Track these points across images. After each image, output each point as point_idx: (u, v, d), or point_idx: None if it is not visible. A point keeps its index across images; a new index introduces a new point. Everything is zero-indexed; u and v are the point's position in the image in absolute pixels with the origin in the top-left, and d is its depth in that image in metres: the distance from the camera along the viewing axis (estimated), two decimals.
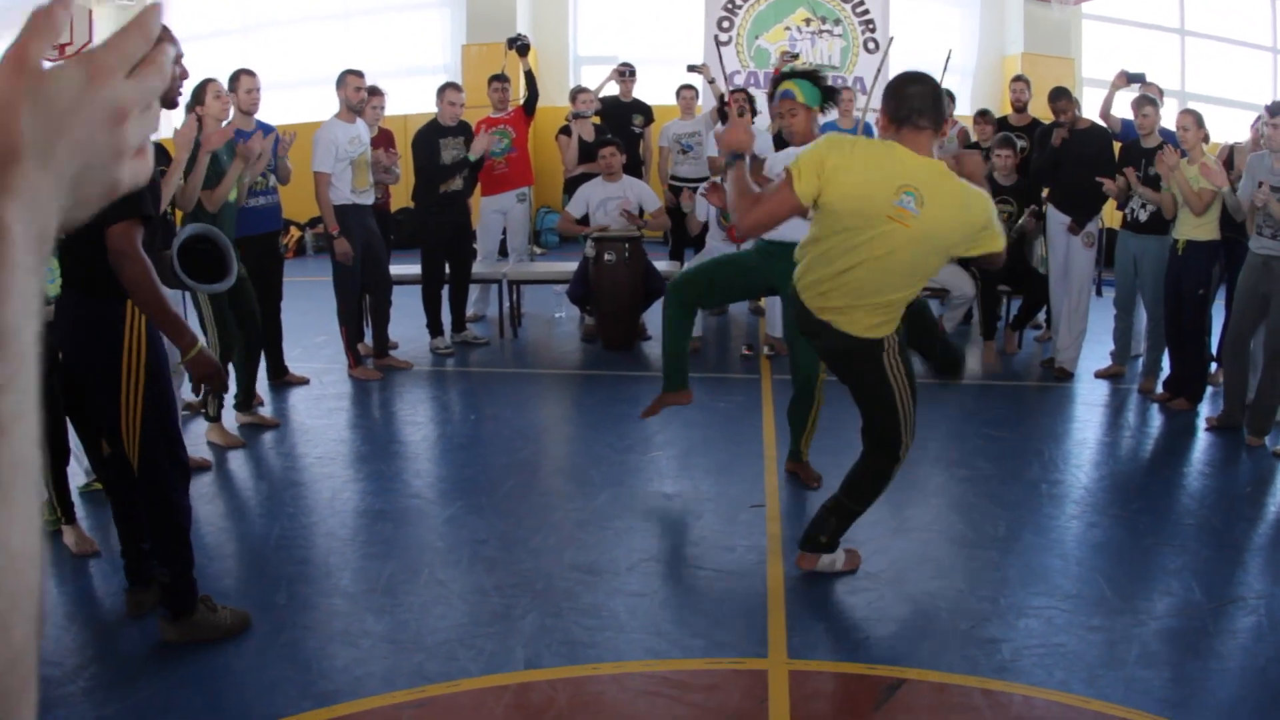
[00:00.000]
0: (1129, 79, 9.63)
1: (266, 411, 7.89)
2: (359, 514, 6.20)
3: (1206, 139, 8.23)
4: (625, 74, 11.77)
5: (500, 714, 4.11)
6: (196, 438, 7.24)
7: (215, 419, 7.41)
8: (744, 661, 4.51)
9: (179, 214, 6.96)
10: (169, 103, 4.51)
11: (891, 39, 12.91)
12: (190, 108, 7.16)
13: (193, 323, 7.09)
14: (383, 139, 9.63)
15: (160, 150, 6.42)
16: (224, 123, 7.17)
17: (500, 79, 10.67)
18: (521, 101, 10.79)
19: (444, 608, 4.96)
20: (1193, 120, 7.95)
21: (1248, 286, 7.57)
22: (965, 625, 4.80)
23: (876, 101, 11.92)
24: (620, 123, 11.40)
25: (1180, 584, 5.32)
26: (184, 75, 4.57)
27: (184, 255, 5.07)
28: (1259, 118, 7.46)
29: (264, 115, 8.21)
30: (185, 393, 7.51)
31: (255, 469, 7.02)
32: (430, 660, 4.49)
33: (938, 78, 10.22)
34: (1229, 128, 9.10)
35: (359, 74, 8.82)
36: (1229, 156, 8.50)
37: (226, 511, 6.31)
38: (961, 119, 11.73)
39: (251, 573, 5.40)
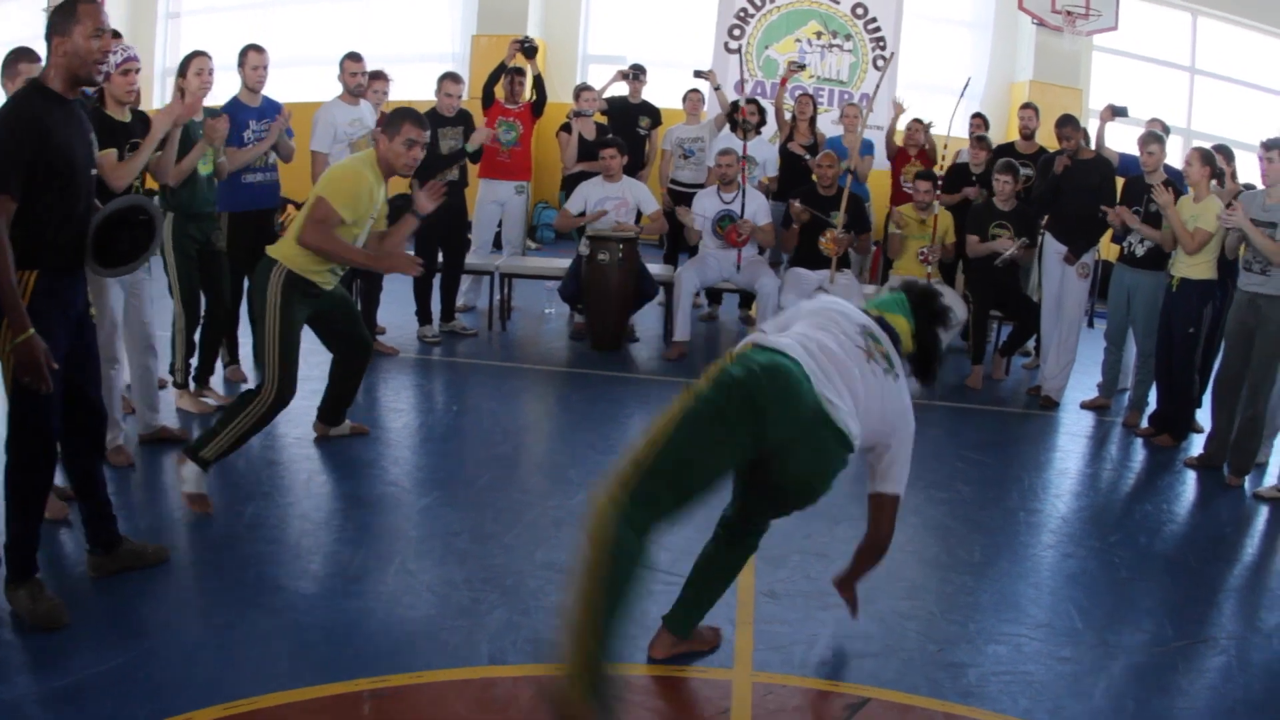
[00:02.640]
0: (1114, 113, 9.64)
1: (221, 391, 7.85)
2: (334, 498, 6.19)
3: (1217, 176, 8.19)
4: (634, 75, 11.74)
5: (461, 708, 4.07)
6: (165, 404, 7.20)
7: (183, 385, 7.41)
8: (709, 671, 4.49)
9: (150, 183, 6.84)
10: (88, 80, 4.50)
11: (893, 54, 12.92)
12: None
13: (161, 286, 7.11)
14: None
15: (143, 119, 6.39)
16: (204, 99, 7.08)
17: (517, 71, 10.66)
18: (531, 100, 10.77)
19: (412, 598, 4.93)
20: (1197, 157, 7.93)
21: (1236, 324, 7.56)
22: (933, 648, 4.78)
23: (876, 119, 12.06)
24: (626, 123, 11.36)
25: (1152, 620, 5.31)
26: (104, 51, 4.50)
27: (119, 227, 5.03)
28: None
29: (273, 92, 8.18)
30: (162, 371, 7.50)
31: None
32: (395, 650, 4.46)
33: (954, 102, 10.36)
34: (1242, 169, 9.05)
35: (356, 58, 8.80)
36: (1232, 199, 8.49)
37: None
38: (955, 141, 11.68)
39: (223, 551, 5.34)
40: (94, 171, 4.70)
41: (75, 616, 4.51)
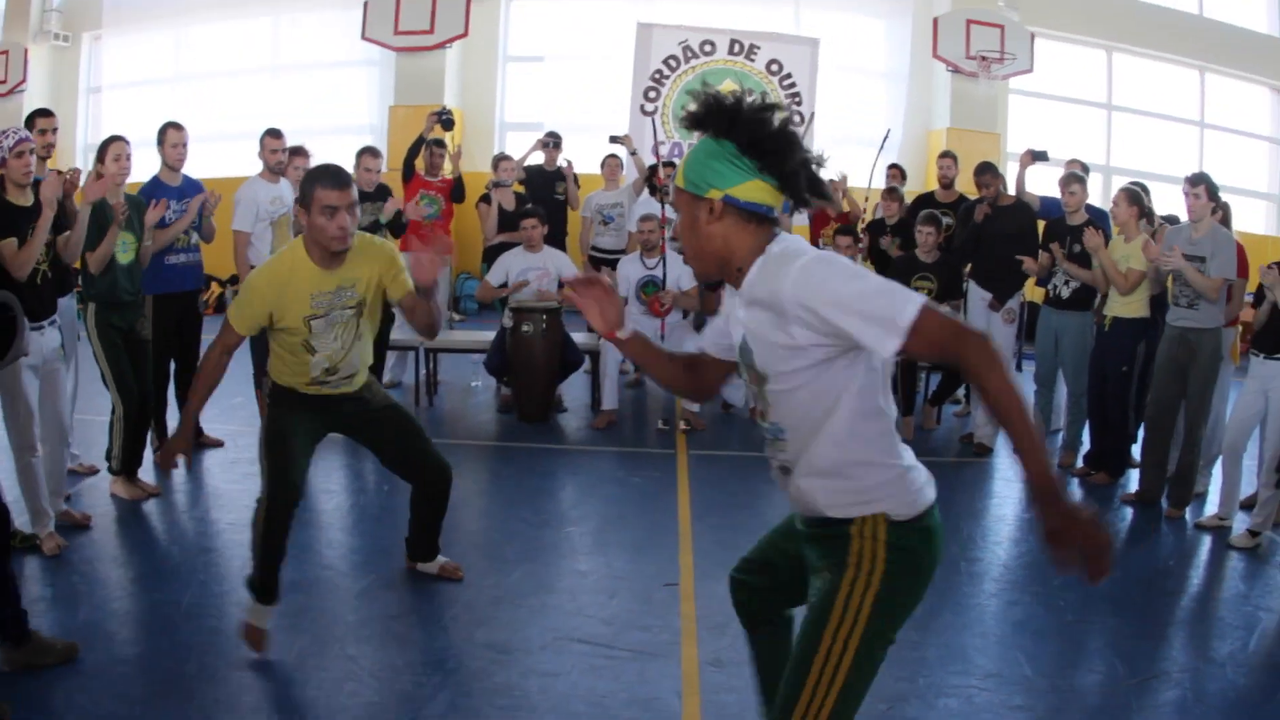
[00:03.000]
0: (1034, 157, 9.72)
1: (150, 479, 7.65)
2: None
3: (1146, 215, 8.24)
4: (550, 144, 11.73)
5: None
6: (99, 493, 7.18)
7: (118, 472, 7.25)
8: None
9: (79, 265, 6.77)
10: None
11: (812, 115, 12.95)
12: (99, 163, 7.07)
13: (96, 378, 7.02)
14: None
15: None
16: (121, 185, 6.99)
17: (436, 143, 10.63)
18: (451, 177, 10.73)
19: (355, 684, 4.80)
20: (1125, 198, 7.98)
21: (1166, 358, 7.60)
22: (883, 706, 4.68)
23: None
24: (544, 192, 11.33)
25: (1103, 660, 5.27)
26: None
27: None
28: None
29: (193, 169, 8.15)
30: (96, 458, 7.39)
31: (167, 532, 6.82)
32: None
33: (874, 155, 10.38)
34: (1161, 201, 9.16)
35: (276, 134, 8.75)
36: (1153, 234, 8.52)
37: (137, 576, 6.10)
38: (868, 192, 11.73)
39: (161, 641, 5.21)
40: None
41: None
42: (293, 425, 5.27)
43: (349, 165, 9.53)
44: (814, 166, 2.97)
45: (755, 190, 2.92)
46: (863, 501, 2.99)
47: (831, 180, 11.22)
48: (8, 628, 4.76)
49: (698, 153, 2.97)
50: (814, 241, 11.05)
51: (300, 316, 5.03)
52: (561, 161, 11.92)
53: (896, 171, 11.60)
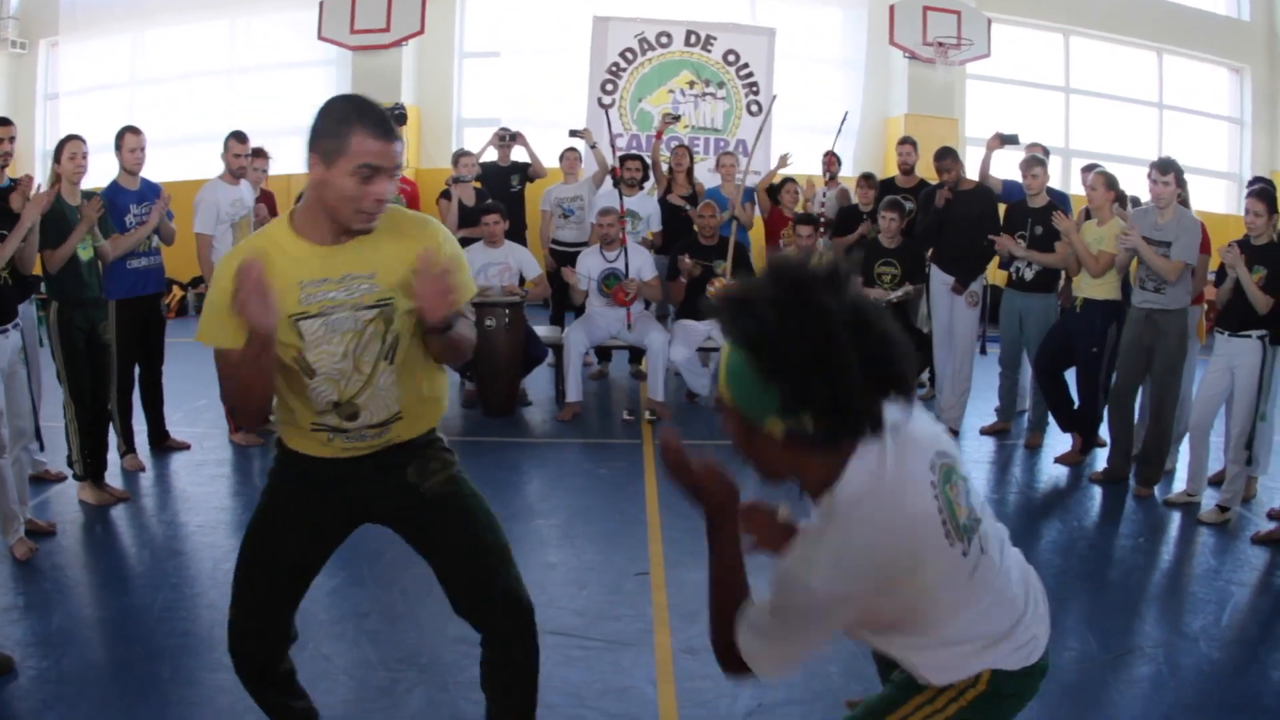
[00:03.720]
0: (1003, 140, 9.71)
1: (117, 484, 7.58)
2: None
3: (1120, 199, 8.27)
4: (504, 138, 11.68)
5: None
6: (67, 499, 7.17)
7: (83, 478, 7.19)
8: None
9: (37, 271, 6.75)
10: None
11: (775, 97, 12.92)
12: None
13: (50, 375, 6.96)
14: (265, 201, 9.41)
15: (6, 211, 6.27)
16: (77, 184, 6.98)
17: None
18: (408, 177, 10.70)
19: (329, 683, 4.75)
20: (1102, 181, 7.99)
21: (1131, 340, 7.62)
22: (859, 688, 4.66)
23: (757, 164, 12.04)
24: (500, 187, 11.28)
25: (1076, 638, 5.28)
26: None
27: None
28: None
29: (151, 172, 8.12)
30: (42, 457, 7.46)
31: (137, 537, 6.75)
32: None
33: (832, 139, 10.37)
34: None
35: (241, 138, 8.69)
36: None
37: (106, 581, 6.04)
38: (845, 180, 11.73)
39: (135, 645, 5.16)
40: None
41: None
42: (289, 517, 3.65)
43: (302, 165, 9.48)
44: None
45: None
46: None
47: (791, 180, 11.21)
48: None
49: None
50: (773, 241, 11.07)
51: (284, 315, 3.25)
52: (517, 156, 11.88)
53: (832, 158, 11.56)
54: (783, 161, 11.29)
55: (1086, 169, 8.32)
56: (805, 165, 11.71)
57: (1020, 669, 2.64)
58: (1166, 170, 7.38)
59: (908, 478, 2.39)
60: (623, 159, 10.92)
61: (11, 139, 7.25)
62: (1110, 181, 8.04)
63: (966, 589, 2.49)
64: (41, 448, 7.41)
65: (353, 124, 3.20)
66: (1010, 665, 2.63)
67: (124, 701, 4.63)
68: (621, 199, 10.02)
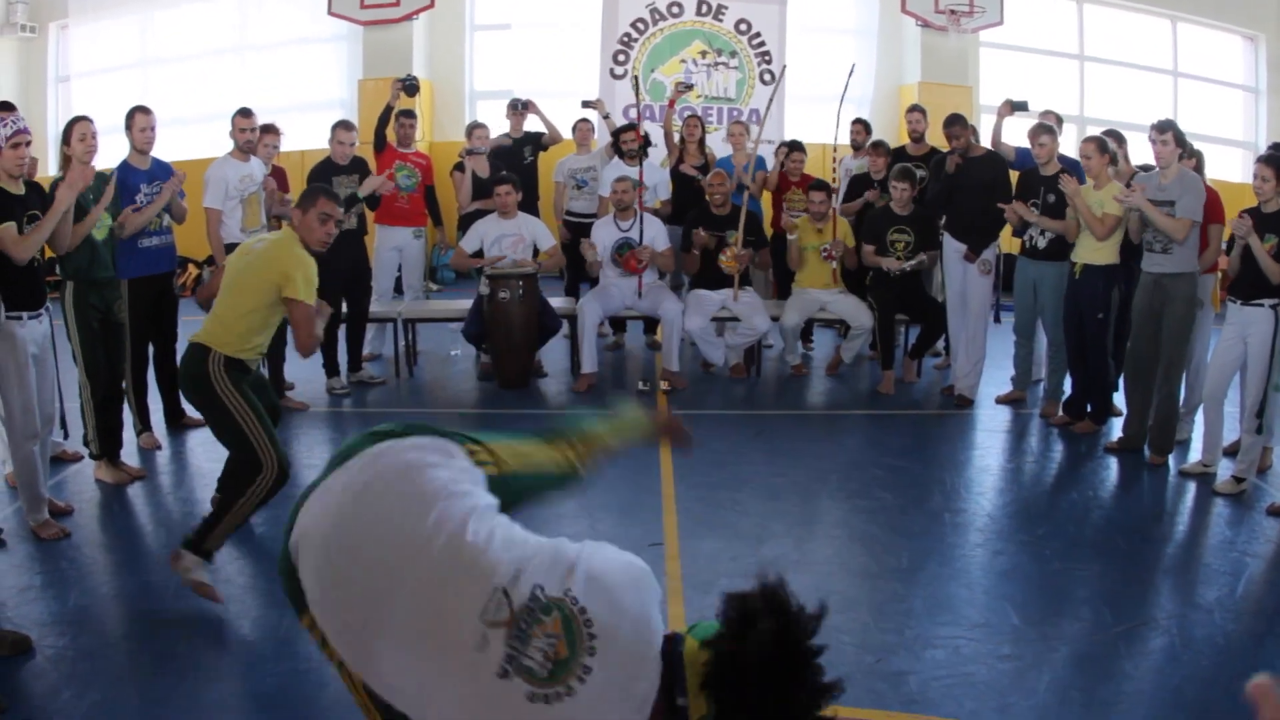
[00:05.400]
0: (1013, 107, 9.69)
1: (134, 462, 7.61)
2: (258, 560, 6.00)
3: (1117, 161, 8.24)
4: (516, 107, 11.67)
5: None
6: (84, 479, 7.20)
7: (99, 457, 7.23)
8: None
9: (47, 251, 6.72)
10: None
11: (784, 67, 12.87)
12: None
13: (65, 356, 6.96)
14: (276, 176, 9.41)
15: (37, 190, 6.28)
16: (89, 163, 6.97)
17: (406, 114, 10.53)
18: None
19: None
20: (1094, 148, 7.96)
21: (1142, 305, 7.60)
22: (871, 659, 4.68)
23: (769, 133, 11.99)
24: (513, 158, 11.25)
25: (1090, 608, 5.28)
26: None
27: None
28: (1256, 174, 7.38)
29: (163, 151, 8.10)
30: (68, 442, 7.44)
31: (153, 514, 6.79)
32: (330, 713, 4.34)
33: (839, 98, 10.34)
34: (1135, 151, 9.14)
35: (247, 114, 8.72)
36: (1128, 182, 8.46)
37: (125, 559, 6.08)
38: (843, 150, 11.67)
39: (152, 622, 5.20)
40: None
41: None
42: (251, 397, 5.58)
43: (321, 140, 9.48)
44: None
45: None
46: None
47: (793, 145, 11.15)
48: None
49: None
50: (779, 205, 11.02)
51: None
52: (530, 126, 11.86)
53: (860, 127, 11.51)
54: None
55: (1087, 140, 8.27)
56: (821, 134, 11.64)
57: None
58: (1165, 130, 7.39)
59: None
60: (618, 130, 10.90)
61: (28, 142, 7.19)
62: (1102, 145, 8.02)
63: None
64: (66, 435, 7.54)
65: (318, 195, 5.77)
66: None
67: (140, 677, 4.67)
68: (641, 168, 10.02)
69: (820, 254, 9.87)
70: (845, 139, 11.20)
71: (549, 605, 2.48)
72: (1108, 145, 8.09)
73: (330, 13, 16.13)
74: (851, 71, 10.34)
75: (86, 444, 7.29)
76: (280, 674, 4.67)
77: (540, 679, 2.37)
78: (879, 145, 10.89)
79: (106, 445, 7.27)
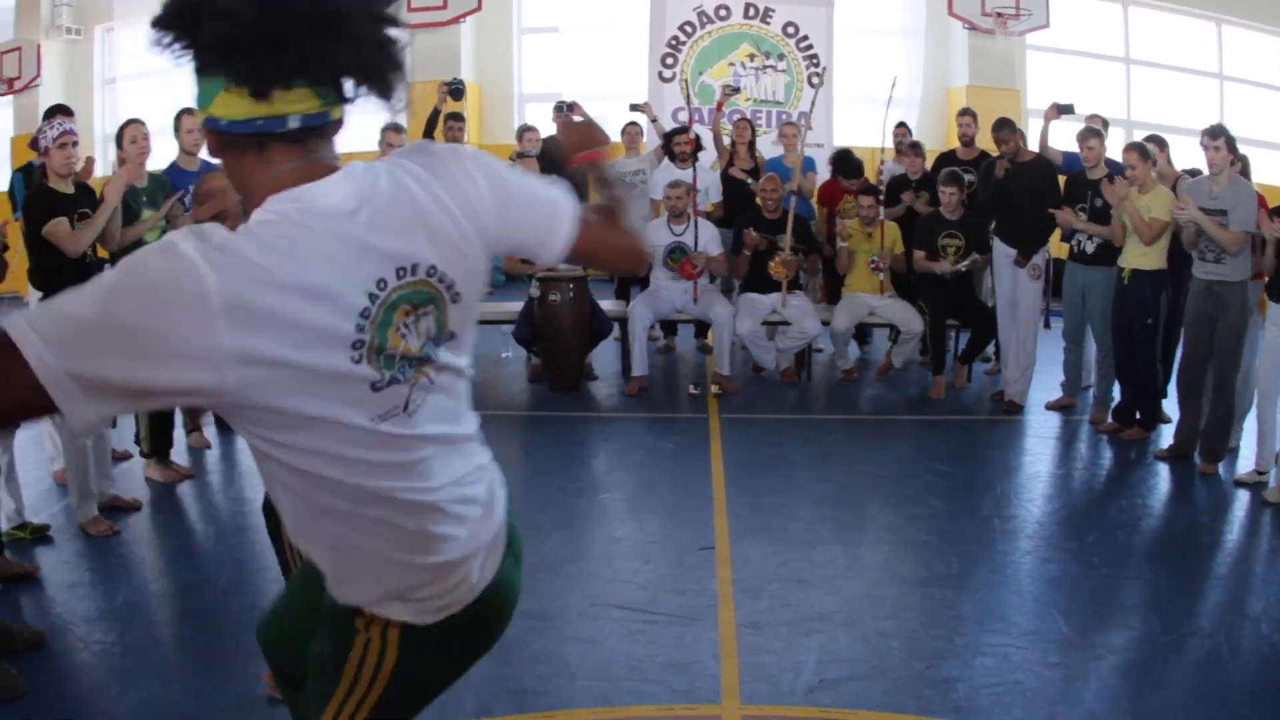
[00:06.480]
0: (1059, 110, 9.68)
1: (183, 461, 7.72)
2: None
3: (1157, 164, 8.24)
4: (561, 109, 11.72)
5: None
6: (134, 477, 7.31)
7: (149, 455, 7.36)
8: (697, 708, 4.41)
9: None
10: None
11: (825, 70, 12.92)
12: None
13: None
14: None
15: (86, 190, 6.42)
16: (142, 166, 7.08)
17: (454, 117, 10.61)
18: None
19: None
20: (1136, 155, 7.96)
21: (1194, 313, 7.58)
22: (920, 665, 4.71)
23: (817, 136, 12.01)
24: (559, 162, 11.27)
25: (1138, 617, 5.28)
26: None
27: None
28: None
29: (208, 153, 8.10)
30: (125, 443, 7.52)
31: (202, 513, 6.87)
32: None
33: (884, 108, 10.37)
34: (1181, 155, 9.13)
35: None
36: (1173, 185, 8.44)
37: (172, 557, 6.18)
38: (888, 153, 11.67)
39: (200, 620, 5.27)
40: None
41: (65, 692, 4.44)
42: None
43: (372, 143, 9.56)
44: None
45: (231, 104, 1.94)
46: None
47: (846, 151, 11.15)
48: None
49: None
50: (833, 215, 10.95)
51: None
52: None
53: (904, 129, 11.50)
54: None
55: (1129, 148, 8.26)
56: (869, 137, 11.66)
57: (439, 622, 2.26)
58: (1217, 135, 7.36)
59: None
60: (669, 134, 10.94)
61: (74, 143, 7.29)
62: (1144, 151, 8.02)
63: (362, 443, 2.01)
64: (114, 424, 7.56)
65: None
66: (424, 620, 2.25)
67: (188, 675, 4.73)
68: (694, 174, 10.07)
69: (869, 264, 9.90)
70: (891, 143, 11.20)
71: None
72: (1149, 151, 8.08)
73: None
74: (895, 83, 10.37)
75: (137, 442, 7.42)
76: None
77: None
78: (914, 146, 10.90)
79: (157, 444, 7.38)
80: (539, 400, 9.55)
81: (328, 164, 2.01)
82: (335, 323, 1.88)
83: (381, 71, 2.01)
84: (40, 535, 6.25)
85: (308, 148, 1.97)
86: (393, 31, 2.01)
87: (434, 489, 2.16)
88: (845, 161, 10.67)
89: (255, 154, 1.96)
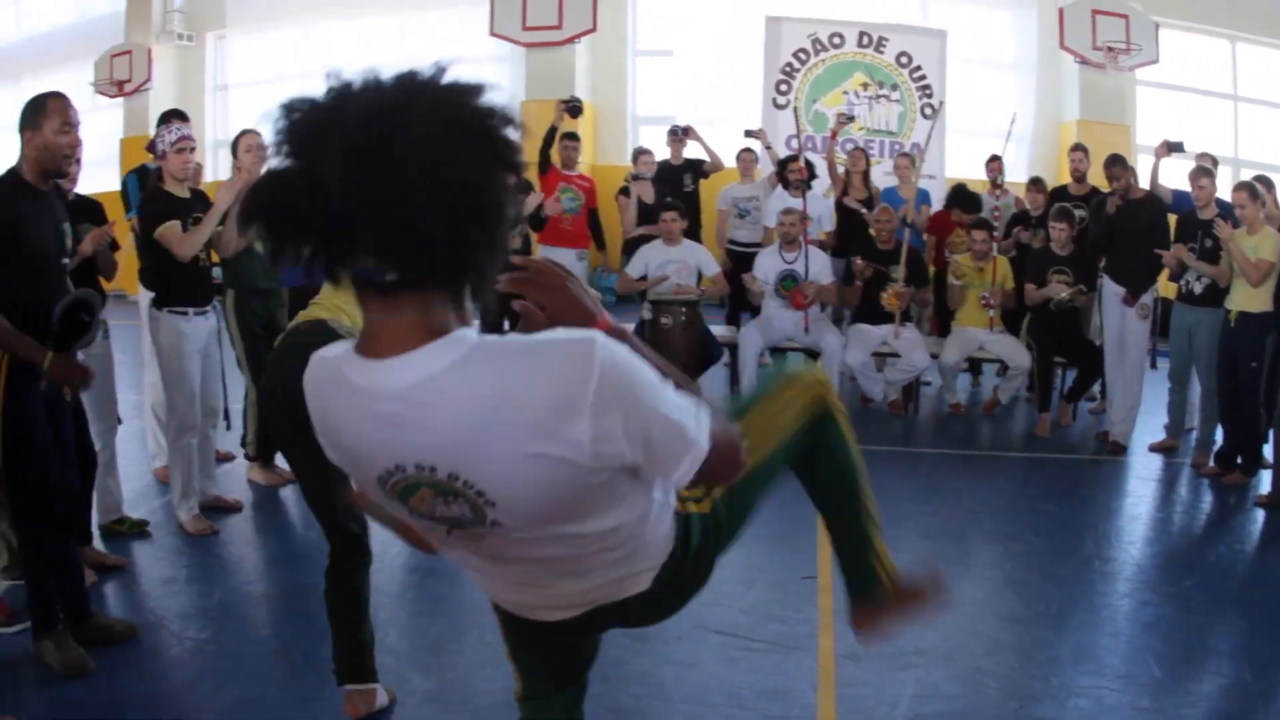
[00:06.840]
0: (1170, 148, 9.64)
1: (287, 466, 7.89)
2: (408, 570, 6.17)
3: (1265, 204, 8.20)
4: (676, 133, 11.85)
5: None
6: (236, 479, 7.60)
7: (254, 459, 7.60)
8: None
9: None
10: (57, 172, 4.73)
11: (941, 103, 12.96)
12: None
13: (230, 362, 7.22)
14: None
15: (200, 196, 6.64)
16: (258, 173, 7.28)
17: (571, 137, 10.78)
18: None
19: (491, 669, 4.83)
20: (1246, 195, 7.95)
21: None
22: (1015, 704, 4.78)
23: (929, 168, 12.05)
24: (674, 185, 11.44)
25: (1231, 664, 5.29)
26: (71, 145, 4.70)
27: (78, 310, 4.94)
28: None
29: None
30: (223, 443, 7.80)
31: (303, 518, 6.95)
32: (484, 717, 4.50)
33: (1002, 143, 10.41)
34: None
35: None
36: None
37: (273, 559, 6.41)
38: (1013, 186, 11.70)
39: (298, 624, 5.41)
40: (65, 261, 4.92)
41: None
42: None
43: None
44: None
45: None
46: None
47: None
48: (69, 607, 4.94)
49: None
50: (940, 245, 11.04)
51: None
52: (690, 153, 12.03)
53: (997, 164, 11.44)
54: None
55: (1238, 187, 8.23)
56: (980, 170, 11.69)
57: None
58: None
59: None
60: (783, 160, 11.07)
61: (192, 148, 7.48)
62: (1254, 192, 8.00)
63: None
64: (229, 427, 7.68)
65: None
66: None
67: (280, 680, 4.88)
68: (805, 201, 10.19)
69: (980, 301, 9.98)
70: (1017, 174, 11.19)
71: None
72: (1256, 189, 8.08)
73: (492, 33, 16.44)
74: (1014, 120, 10.41)
75: (244, 445, 7.65)
76: (427, 689, 4.84)
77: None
78: (1036, 182, 10.95)
79: (263, 448, 7.61)
80: None
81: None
82: None
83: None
84: (139, 530, 6.50)
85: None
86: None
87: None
88: (963, 196, 10.73)
89: None
